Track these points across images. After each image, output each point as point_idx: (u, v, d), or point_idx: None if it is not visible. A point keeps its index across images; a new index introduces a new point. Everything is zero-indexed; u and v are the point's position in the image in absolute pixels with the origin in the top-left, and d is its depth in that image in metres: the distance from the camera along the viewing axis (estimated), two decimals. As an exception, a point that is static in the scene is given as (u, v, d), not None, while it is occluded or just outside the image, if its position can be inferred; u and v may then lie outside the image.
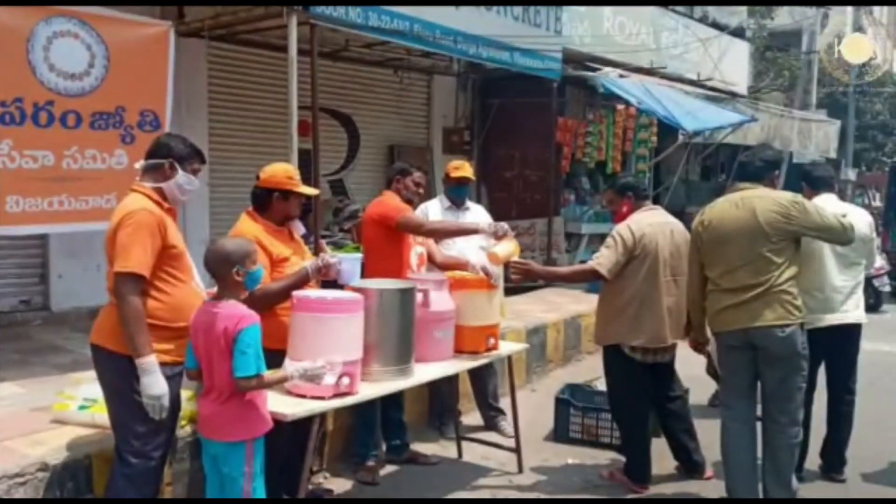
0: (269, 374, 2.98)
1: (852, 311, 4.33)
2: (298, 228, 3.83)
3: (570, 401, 5.13)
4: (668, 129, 10.96)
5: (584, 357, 7.30)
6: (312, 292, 3.44)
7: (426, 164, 9.66)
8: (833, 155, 15.71)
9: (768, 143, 11.30)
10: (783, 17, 17.28)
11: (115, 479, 3.05)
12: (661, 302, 4.20)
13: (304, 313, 3.27)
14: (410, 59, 9.10)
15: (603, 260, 4.20)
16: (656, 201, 6.25)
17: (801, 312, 3.78)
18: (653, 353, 4.27)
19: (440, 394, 5.11)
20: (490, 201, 10.24)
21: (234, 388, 2.91)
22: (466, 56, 7.57)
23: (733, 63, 13.44)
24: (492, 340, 4.22)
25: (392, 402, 4.44)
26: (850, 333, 4.38)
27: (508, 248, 4.11)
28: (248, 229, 3.48)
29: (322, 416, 3.57)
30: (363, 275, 3.99)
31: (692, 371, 5.25)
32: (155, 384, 2.91)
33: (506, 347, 4.51)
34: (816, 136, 14.61)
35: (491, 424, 5.30)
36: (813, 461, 4.51)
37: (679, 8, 12.34)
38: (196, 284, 3.24)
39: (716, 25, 13.27)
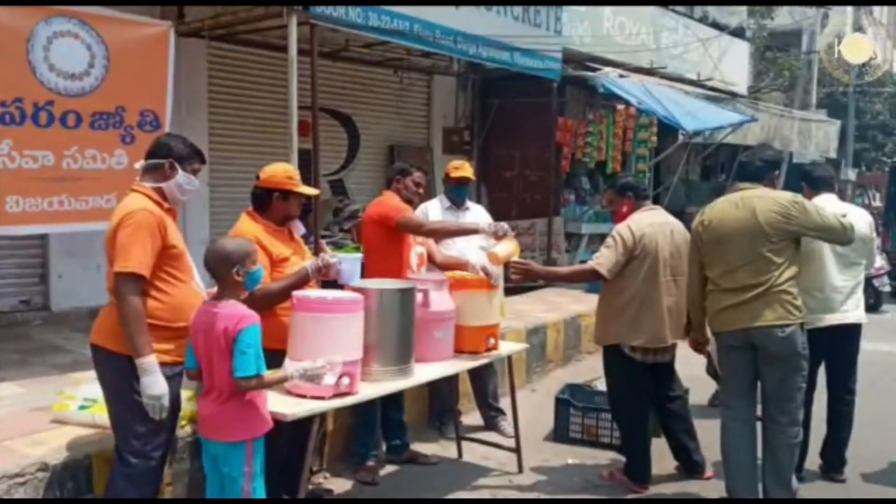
0: (269, 374, 2.98)
1: (852, 311, 4.33)
2: (298, 228, 3.82)
3: (570, 401, 5.13)
4: (668, 129, 10.96)
5: (584, 357, 7.30)
6: (312, 292, 3.44)
7: (426, 164, 9.65)
8: (833, 155, 15.71)
9: (768, 143, 11.29)
10: (783, 17, 17.27)
11: (115, 479, 3.05)
12: (661, 302, 4.20)
13: (304, 313, 3.27)
14: (410, 59, 9.10)
15: (603, 260, 4.20)
16: (656, 201, 6.25)
17: (801, 312, 3.78)
18: (653, 353, 4.27)
19: (440, 394, 5.11)
20: (490, 201, 10.23)
21: (234, 388, 2.91)
22: (466, 56, 7.57)
23: (733, 63, 13.44)
24: (492, 340, 4.22)
25: (392, 402, 4.44)
26: (850, 333, 4.38)
27: (508, 248, 4.11)
28: (248, 229, 3.48)
29: (322, 416, 3.57)
30: (363, 275, 3.98)
31: (692, 371, 5.25)
32: (155, 384, 2.91)
33: (506, 347, 4.51)
34: (816, 136, 14.62)
35: (491, 424, 5.29)
36: (813, 461, 4.50)
37: (679, 8, 12.34)
38: (196, 284, 3.24)
39: (716, 25, 13.26)
